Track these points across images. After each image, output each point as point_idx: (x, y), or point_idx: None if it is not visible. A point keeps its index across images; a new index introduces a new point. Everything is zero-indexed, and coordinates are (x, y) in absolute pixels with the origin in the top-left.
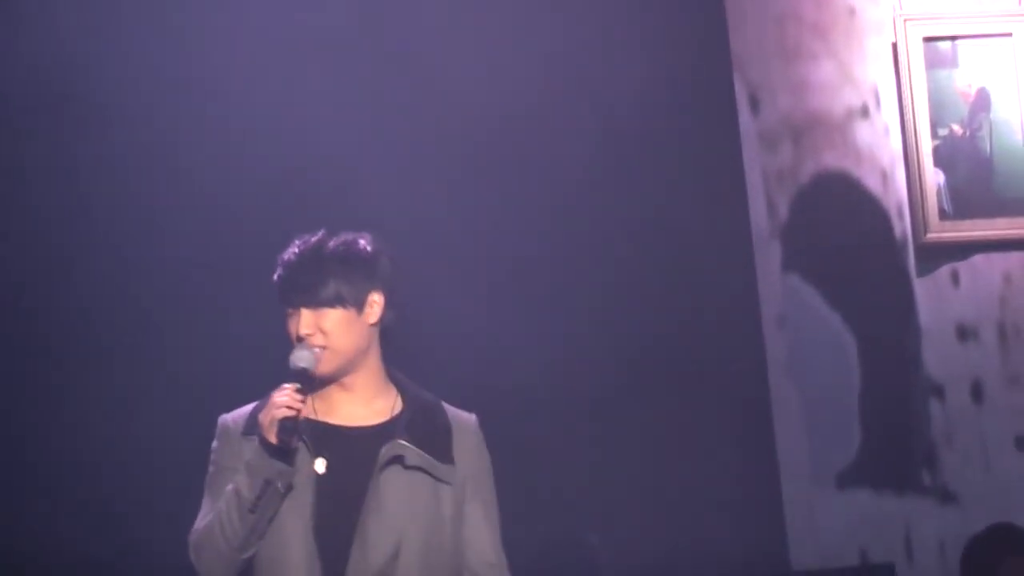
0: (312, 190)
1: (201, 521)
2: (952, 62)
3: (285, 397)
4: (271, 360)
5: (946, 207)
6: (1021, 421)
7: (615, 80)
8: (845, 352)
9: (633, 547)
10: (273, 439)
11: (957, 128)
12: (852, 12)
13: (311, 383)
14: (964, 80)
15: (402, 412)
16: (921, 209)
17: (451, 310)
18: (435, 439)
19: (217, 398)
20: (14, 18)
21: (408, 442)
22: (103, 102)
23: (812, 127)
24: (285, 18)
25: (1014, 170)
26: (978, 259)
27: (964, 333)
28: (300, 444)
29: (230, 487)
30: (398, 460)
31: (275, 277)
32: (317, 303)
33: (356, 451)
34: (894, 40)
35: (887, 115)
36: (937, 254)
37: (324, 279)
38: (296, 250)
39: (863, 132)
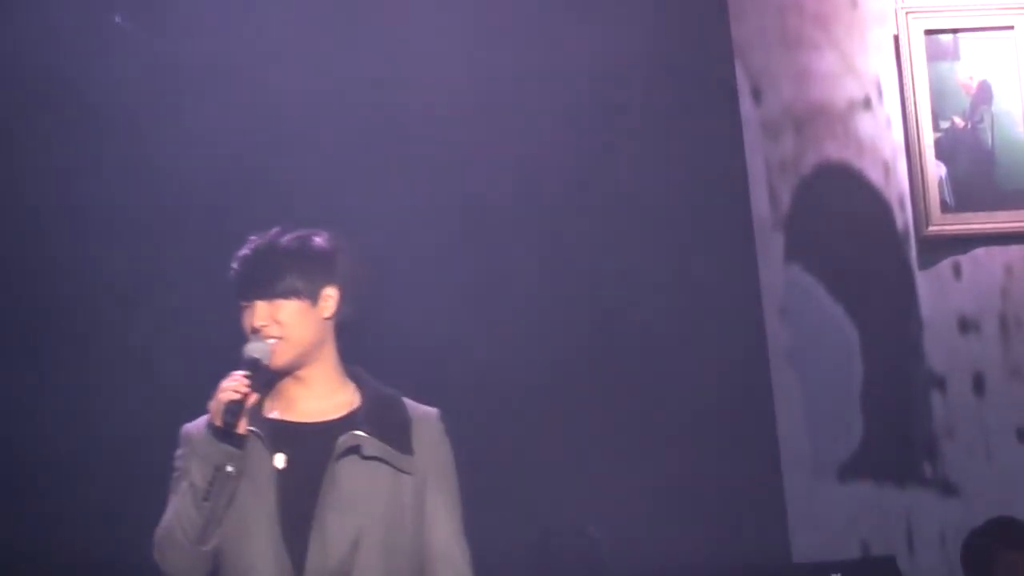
0: (298, 188)
1: (162, 522)
2: (954, 54)
3: (232, 382)
4: None
5: (948, 199)
6: (1022, 413)
7: (617, 69)
8: (847, 344)
9: (634, 539)
10: (218, 422)
11: (959, 120)
12: (854, 3)
13: (265, 375)
14: (966, 72)
15: (360, 406)
16: (923, 201)
17: (456, 306)
18: (394, 430)
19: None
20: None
21: (365, 432)
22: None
23: (814, 117)
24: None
25: (1015, 162)
26: (979, 251)
27: (966, 325)
28: (258, 441)
29: (185, 481)
30: (355, 450)
31: (231, 273)
32: (272, 295)
33: (315, 445)
34: (896, 32)
35: (889, 107)
36: (939, 246)
37: (279, 272)
38: (251, 245)
39: (865, 123)
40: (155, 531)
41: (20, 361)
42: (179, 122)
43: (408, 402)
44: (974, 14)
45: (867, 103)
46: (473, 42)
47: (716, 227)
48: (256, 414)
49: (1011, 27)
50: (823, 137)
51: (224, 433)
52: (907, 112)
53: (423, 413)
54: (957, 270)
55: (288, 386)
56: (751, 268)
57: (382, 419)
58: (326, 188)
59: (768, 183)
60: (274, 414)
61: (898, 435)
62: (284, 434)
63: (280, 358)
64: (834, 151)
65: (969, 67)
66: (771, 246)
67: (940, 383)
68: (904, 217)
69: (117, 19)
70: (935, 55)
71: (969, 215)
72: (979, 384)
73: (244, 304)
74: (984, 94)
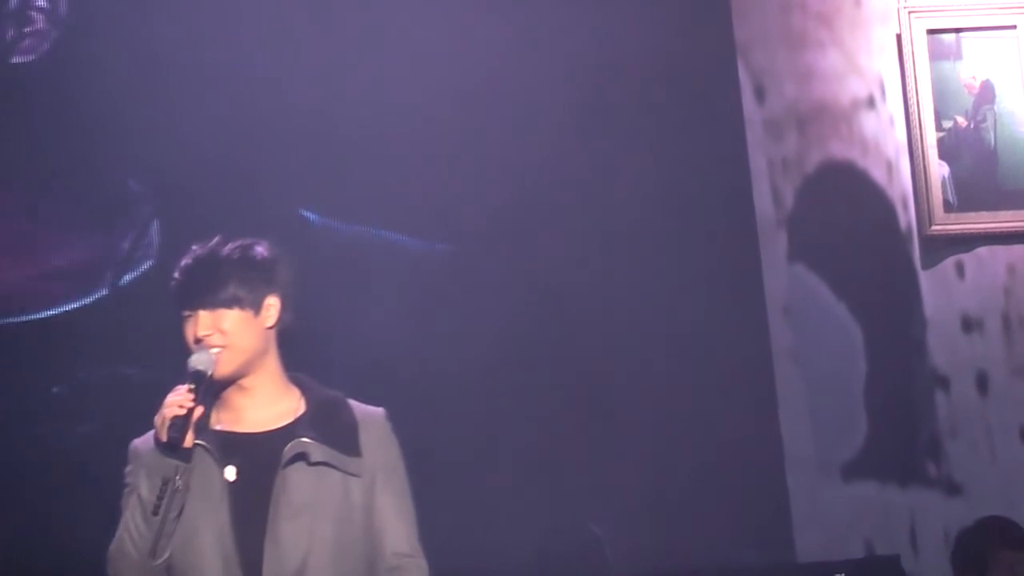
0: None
1: (115, 539)
2: (956, 54)
3: (177, 396)
4: None
5: (950, 199)
6: None
7: (620, 69)
8: (850, 343)
9: (638, 537)
10: (164, 437)
11: (961, 120)
12: (857, 2)
13: (209, 386)
14: (968, 72)
15: (305, 412)
16: (926, 200)
17: (458, 305)
18: (340, 434)
19: None
20: None
21: (310, 439)
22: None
23: (818, 116)
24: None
25: (1018, 162)
26: (982, 251)
27: (969, 324)
28: (207, 454)
29: (133, 496)
30: (301, 457)
31: (171, 283)
32: (214, 304)
33: (263, 455)
34: (898, 31)
35: (892, 106)
36: (942, 246)
37: (221, 281)
38: (193, 254)
39: (868, 122)
40: (109, 547)
41: None
42: (168, 121)
43: (353, 403)
44: (976, 14)
45: (870, 102)
46: (473, 42)
47: (719, 226)
48: (204, 426)
49: (1013, 27)
50: (826, 136)
51: (170, 447)
52: (910, 112)
53: (369, 414)
54: (960, 269)
55: (233, 396)
56: (754, 267)
57: (327, 423)
58: (323, 183)
59: (771, 182)
60: (220, 426)
61: (902, 434)
62: (232, 446)
63: (224, 367)
64: (837, 150)
65: (972, 67)
66: (774, 245)
67: (943, 382)
68: (907, 216)
69: None
70: (938, 55)
71: (972, 214)
72: (982, 383)
73: (186, 313)
74: (987, 93)
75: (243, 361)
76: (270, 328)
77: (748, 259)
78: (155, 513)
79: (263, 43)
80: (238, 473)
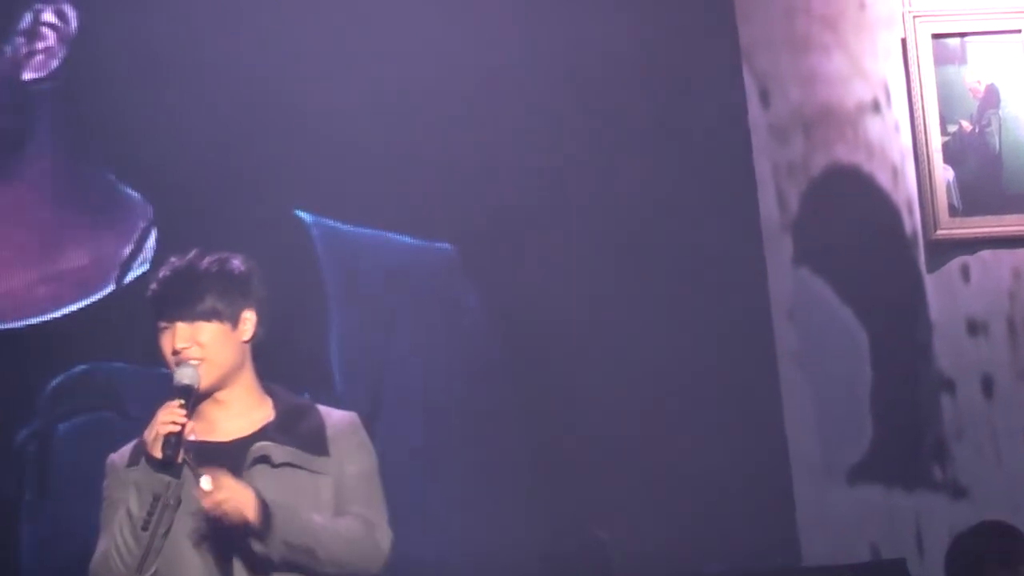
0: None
1: (97, 552)
2: (961, 58)
3: (170, 414)
4: None
5: (956, 203)
6: None
7: (624, 72)
8: (855, 347)
9: (643, 541)
10: (158, 454)
11: (966, 124)
12: (862, 5)
13: (196, 400)
14: (973, 76)
15: (273, 418)
16: (931, 205)
17: (459, 303)
18: (306, 435)
19: None
20: None
21: (273, 441)
22: None
23: (823, 120)
24: None
25: (1023, 166)
26: (987, 255)
27: (974, 328)
28: (184, 465)
29: (122, 510)
30: (264, 460)
31: (149, 294)
32: (193, 316)
33: (231, 462)
34: (903, 36)
35: (897, 111)
36: (947, 250)
37: (200, 293)
38: (171, 267)
39: (874, 126)
40: (91, 562)
41: None
42: (167, 123)
43: (323, 408)
44: (981, 18)
45: (875, 106)
46: (475, 42)
47: (724, 230)
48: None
49: (1018, 31)
50: (831, 140)
51: (164, 464)
52: (915, 116)
53: (338, 415)
54: (965, 273)
55: (207, 408)
56: (759, 271)
57: (294, 427)
58: (324, 180)
59: (776, 186)
60: (194, 436)
61: (907, 438)
62: (207, 455)
63: (202, 380)
64: (842, 154)
65: (976, 71)
66: (779, 249)
67: (949, 386)
68: (912, 221)
69: None
70: (942, 59)
71: (977, 219)
72: (988, 386)
73: (164, 325)
74: (991, 98)
75: (220, 375)
76: (246, 342)
77: (753, 263)
78: (145, 529)
79: (260, 43)
80: (213, 482)
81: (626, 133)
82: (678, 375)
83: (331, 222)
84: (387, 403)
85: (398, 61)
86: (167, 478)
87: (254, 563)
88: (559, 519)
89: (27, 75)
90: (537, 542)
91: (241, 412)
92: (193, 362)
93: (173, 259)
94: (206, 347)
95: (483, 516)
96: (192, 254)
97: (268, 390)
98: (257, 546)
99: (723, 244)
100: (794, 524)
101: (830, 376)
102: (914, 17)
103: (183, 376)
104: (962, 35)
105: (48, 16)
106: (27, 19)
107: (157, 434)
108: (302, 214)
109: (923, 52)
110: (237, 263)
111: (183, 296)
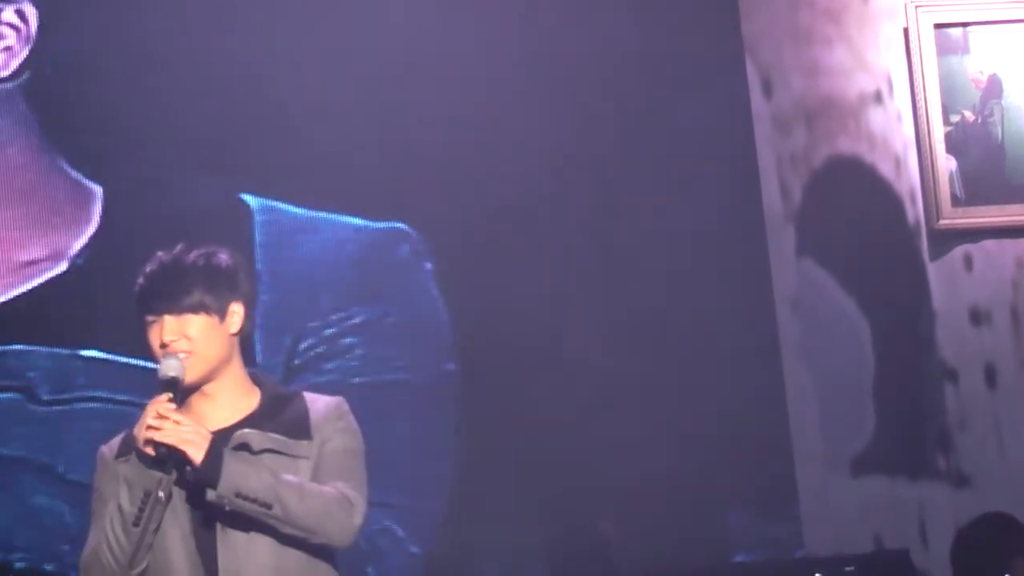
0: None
1: (88, 547)
2: (963, 48)
3: (160, 408)
4: None
5: (958, 193)
6: None
7: (627, 64)
8: (858, 337)
9: (646, 533)
10: (150, 450)
11: (969, 114)
12: None
13: (182, 392)
14: (975, 66)
15: (258, 407)
16: (933, 195)
17: (465, 302)
18: (289, 421)
19: None
20: None
21: (253, 428)
22: None
23: (825, 111)
24: None
25: None
26: (990, 244)
27: (977, 318)
28: (175, 461)
29: (112, 505)
30: (245, 448)
31: (136, 288)
32: (180, 309)
33: None
34: (905, 26)
35: (899, 101)
36: (950, 240)
37: (187, 286)
38: (157, 261)
39: (876, 117)
40: (81, 555)
41: None
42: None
43: (309, 395)
44: (983, 8)
45: (878, 97)
46: (478, 38)
47: (727, 221)
48: None
49: (1021, 20)
50: (834, 131)
51: (156, 460)
52: (917, 106)
53: (323, 402)
54: (968, 263)
55: (195, 401)
56: (762, 262)
57: (278, 414)
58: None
59: (779, 177)
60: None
61: (910, 428)
62: None
63: (190, 373)
64: (845, 145)
65: (979, 61)
66: (782, 240)
67: (952, 375)
68: (915, 211)
69: None
70: (945, 49)
71: (980, 208)
72: (991, 376)
73: (151, 319)
74: (994, 88)
75: (209, 368)
76: (234, 334)
77: (756, 254)
78: (136, 524)
79: (253, 39)
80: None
81: (628, 124)
82: (680, 366)
83: (278, 204)
84: (389, 398)
85: (398, 49)
86: (158, 474)
87: (228, 539)
88: (563, 513)
89: None
90: (541, 536)
91: (227, 403)
92: (181, 355)
93: (160, 253)
94: (194, 340)
95: (488, 511)
96: (178, 248)
97: (256, 380)
98: (210, 494)
99: (726, 235)
100: (797, 515)
101: (833, 367)
102: (916, 7)
103: (168, 368)
104: (964, 25)
105: (8, 15)
106: None
107: (149, 429)
108: (247, 197)
109: (925, 42)
110: (224, 257)
111: (170, 289)
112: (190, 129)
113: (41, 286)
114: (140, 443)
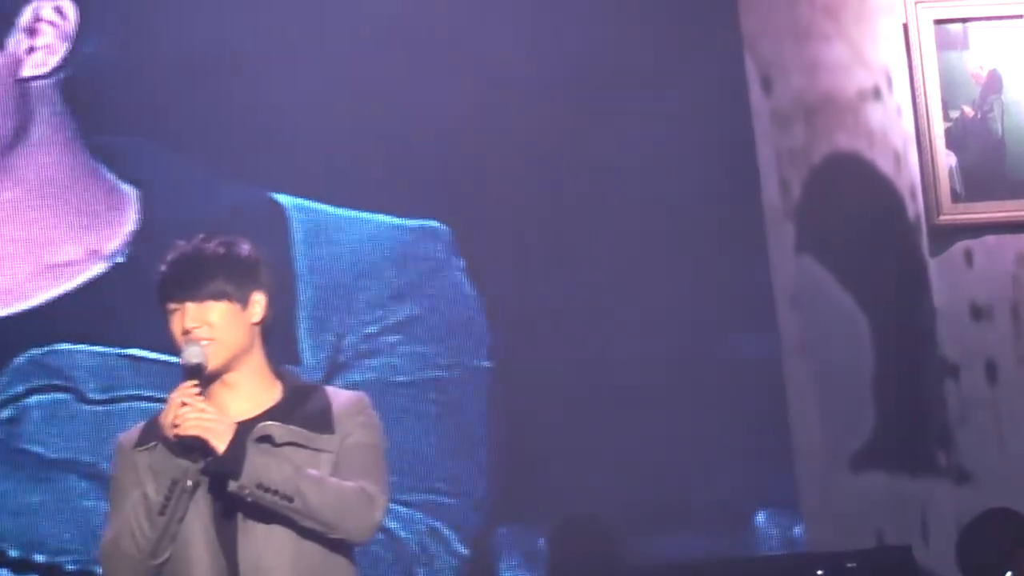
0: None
1: (107, 537)
2: (963, 44)
3: (185, 395)
4: None
5: (958, 189)
6: None
7: (626, 61)
8: (858, 333)
9: (648, 529)
10: (180, 432)
11: (968, 110)
12: None
13: (205, 379)
14: (975, 62)
15: (280, 400)
16: (933, 191)
17: (482, 291)
18: (310, 415)
19: None
20: None
21: (276, 421)
22: None
23: (825, 107)
24: None
25: None
26: (990, 240)
27: (978, 313)
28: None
29: (137, 493)
30: (267, 440)
31: (157, 277)
32: (202, 296)
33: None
34: (905, 21)
35: (899, 97)
36: (950, 235)
37: (209, 274)
38: (178, 250)
39: (875, 113)
40: (101, 542)
41: None
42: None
43: (331, 389)
44: (983, 3)
45: (877, 93)
46: (478, 35)
47: (727, 217)
48: None
49: (1021, 16)
50: (833, 127)
51: (184, 447)
52: (917, 102)
53: (344, 396)
54: (969, 258)
55: (217, 391)
56: (762, 258)
57: (300, 408)
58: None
59: (779, 173)
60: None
61: (911, 424)
62: None
63: (212, 360)
64: (844, 141)
65: (979, 56)
66: (782, 236)
67: (953, 371)
68: (915, 207)
69: None
70: (944, 44)
71: (980, 204)
72: (992, 371)
73: (173, 307)
74: (994, 83)
75: (230, 355)
76: (256, 324)
77: (756, 250)
78: (162, 513)
79: (289, 41)
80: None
81: (628, 120)
82: (680, 362)
83: (311, 204)
84: (390, 396)
85: (432, 49)
86: (185, 463)
87: (249, 533)
88: (564, 507)
89: (26, 72)
90: (543, 530)
91: (249, 395)
92: (203, 342)
93: (180, 242)
94: (216, 327)
95: (491, 505)
96: (199, 238)
97: (278, 374)
98: (231, 484)
99: (725, 231)
100: (799, 512)
101: (833, 363)
102: (916, 3)
103: (191, 355)
104: (964, 20)
105: (47, 12)
106: (27, 15)
107: (177, 416)
108: (280, 196)
109: (925, 38)
110: (245, 247)
111: (192, 277)
112: (225, 129)
113: (84, 285)
114: (167, 430)
